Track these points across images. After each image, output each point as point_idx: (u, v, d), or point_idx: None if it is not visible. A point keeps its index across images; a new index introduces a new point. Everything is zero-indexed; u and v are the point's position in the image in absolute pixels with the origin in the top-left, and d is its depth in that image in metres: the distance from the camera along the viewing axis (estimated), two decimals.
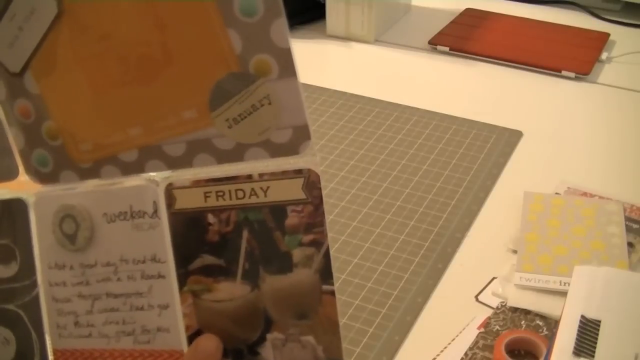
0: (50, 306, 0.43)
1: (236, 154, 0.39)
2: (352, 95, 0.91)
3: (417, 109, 0.87)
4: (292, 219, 0.39)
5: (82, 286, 0.42)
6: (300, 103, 0.37)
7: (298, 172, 0.38)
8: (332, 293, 0.40)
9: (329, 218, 0.69)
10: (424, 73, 0.97)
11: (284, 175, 0.38)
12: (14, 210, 0.42)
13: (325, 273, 0.40)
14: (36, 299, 0.43)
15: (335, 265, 0.64)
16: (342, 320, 0.57)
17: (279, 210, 0.39)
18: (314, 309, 0.40)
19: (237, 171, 0.39)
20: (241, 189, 0.39)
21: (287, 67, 0.36)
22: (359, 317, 0.58)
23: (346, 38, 1.06)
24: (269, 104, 0.37)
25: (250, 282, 0.40)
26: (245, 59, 0.37)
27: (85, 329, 0.42)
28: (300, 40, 1.05)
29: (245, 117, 0.38)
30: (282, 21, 0.36)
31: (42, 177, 0.42)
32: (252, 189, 0.39)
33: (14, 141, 0.42)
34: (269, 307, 0.40)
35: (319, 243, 0.39)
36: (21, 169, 0.42)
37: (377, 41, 1.05)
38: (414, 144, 0.80)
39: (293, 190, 0.39)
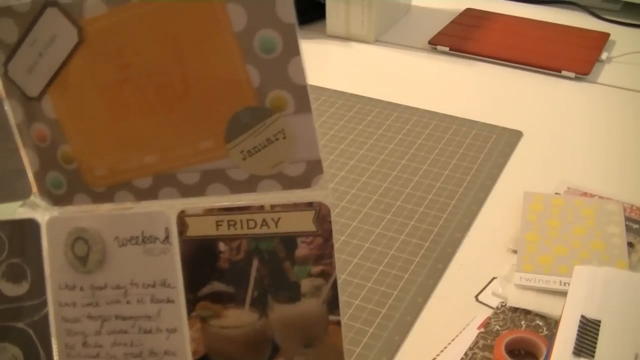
0: (60, 326, 0.43)
1: (249, 185, 0.39)
2: (352, 95, 0.91)
3: (417, 109, 0.87)
4: (302, 250, 0.40)
5: (92, 307, 0.42)
6: (314, 138, 0.38)
7: (309, 205, 0.39)
8: (338, 323, 0.41)
9: None
10: (424, 73, 0.97)
11: (296, 207, 0.39)
12: (26, 230, 0.42)
13: (333, 304, 0.40)
14: (45, 318, 0.43)
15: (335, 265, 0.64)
16: (342, 321, 0.57)
17: (289, 240, 0.40)
18: (320, 338, 0.41)
19: (250, 202, 0.39)
20: (253, 219, 0.40)
21: (303, 103, 0.37)
22: (359, 317, 0.58)
23: (346, 38, 1.06)
24: (284, 138, 0.38)
25: (259, 310, 0.40)
26: (262, 94, 0.37)
27: (94, 350, 0.42)
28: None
29: (260, 149, 0.38)
30: (300, 59, 0.37)
31: (56, 199, 0.42)
32: (264, 220, 0.39)
33: (29, 163, 0.42)
34: (276, 335, 0.41)
35: (327, 274, 0.40)
36: (34, 189, 0.42)
37: (377, 41, 1.05)
38: (414, 144, 0.80)
39: (304, 222, 0.39)
